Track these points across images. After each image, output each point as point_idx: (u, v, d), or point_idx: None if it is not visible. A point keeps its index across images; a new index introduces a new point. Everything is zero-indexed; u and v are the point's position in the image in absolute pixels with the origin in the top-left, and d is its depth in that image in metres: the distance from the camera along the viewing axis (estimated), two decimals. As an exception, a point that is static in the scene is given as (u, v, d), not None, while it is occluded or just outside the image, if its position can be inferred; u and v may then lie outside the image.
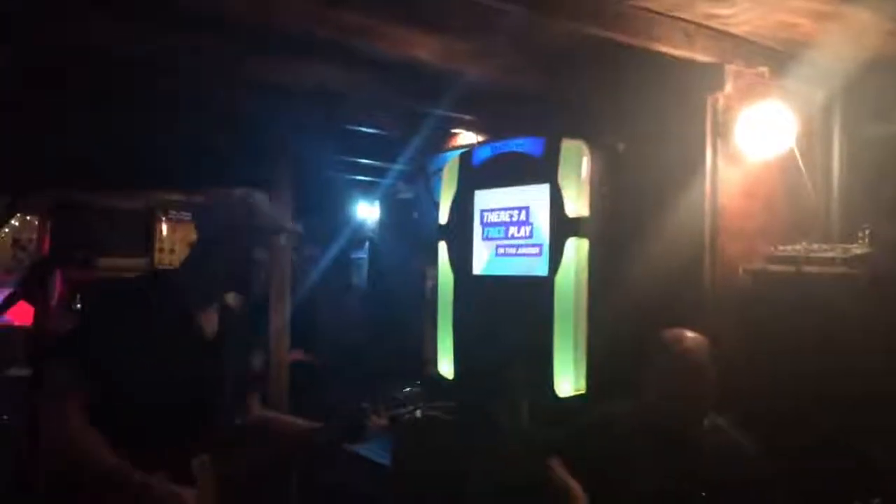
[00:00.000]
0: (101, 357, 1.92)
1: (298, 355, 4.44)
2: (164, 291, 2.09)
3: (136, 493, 1.86)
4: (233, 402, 2.22)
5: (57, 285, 4.84)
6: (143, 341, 1.94)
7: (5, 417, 3.50)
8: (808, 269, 2.72)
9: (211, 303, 2.14)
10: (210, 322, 2.13)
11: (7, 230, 6.41)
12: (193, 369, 2.04)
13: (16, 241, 6.45)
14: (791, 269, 2.76)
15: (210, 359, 2.10)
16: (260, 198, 2.14)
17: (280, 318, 4.32)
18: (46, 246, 6.08)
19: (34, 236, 6.36)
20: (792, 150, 2.87)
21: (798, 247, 2.82)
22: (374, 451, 4.03)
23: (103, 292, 2.47)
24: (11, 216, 6.14)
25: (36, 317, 3.71)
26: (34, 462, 3.35)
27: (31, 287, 3.68)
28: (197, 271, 2.13)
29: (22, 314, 4.67)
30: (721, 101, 2.87)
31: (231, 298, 2.24)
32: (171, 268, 2.24)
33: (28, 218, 6.47)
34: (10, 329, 4.71)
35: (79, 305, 5.14)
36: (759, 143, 2.86)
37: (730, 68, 2.84)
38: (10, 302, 3.77)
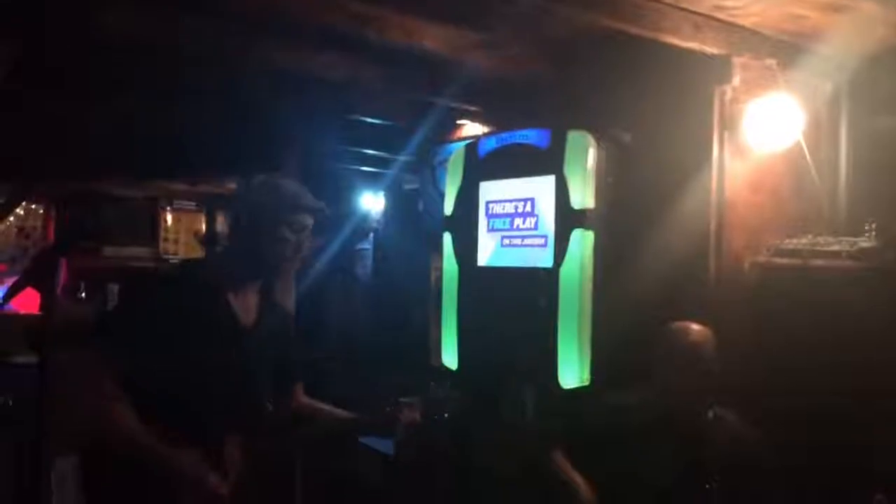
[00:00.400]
0: (137, 339, 1.98)
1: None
2: (200, 277, 2.14)
3: (163, 466, 1.92)
4: (268, 390, 2.29)
5: (62, 274, 4.85)
6: (177, 325, 1.99)
7: (10, 402, 3.52)
8: (814, 262, 2.71)
9: (245, 287, 2.18)
10: (247, 309, 2.18)
11: (12, 219, 6.42)
12: (228, 354, 2.08)
13: (21, 230, 6.45)
14: (797, 262, 2.75)
15: (245, 345, 2.14)
16: (287, 181, 2.20)
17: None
18: (51, 235, 6.09)
19: (39, 225, 6.37)
20: (799, 143, 2.86)
21: (804, 240, 2.81)
22: (376, 441, 4.04)
23: (141, 278, 2.52)
24: (16, 205, 6.15)
25: (42, 304, 3.71)
26: (39, 448, 3.38)
27: (37, 274, 3.68)
28: (231, 256, 2.19)
29: (26, 302, 4.68)
30: (728, 94, 2.85)
31: (270, 288, 2.28)
32: (219, 249, 2.30)
33: (33, 207, 6.48)
34: (15, 317, 4.72)
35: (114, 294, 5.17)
36: (766, 136, 2.84)
37: (737, 60, 2.82)
38: (16, 289, 3.78)
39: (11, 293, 3.78)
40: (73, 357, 2.31)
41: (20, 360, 3.97)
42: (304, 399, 2.46)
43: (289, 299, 4.34)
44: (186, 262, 2.61)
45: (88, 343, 2.07)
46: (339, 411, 2.44)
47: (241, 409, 2.16)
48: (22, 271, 4.28)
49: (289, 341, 2.40)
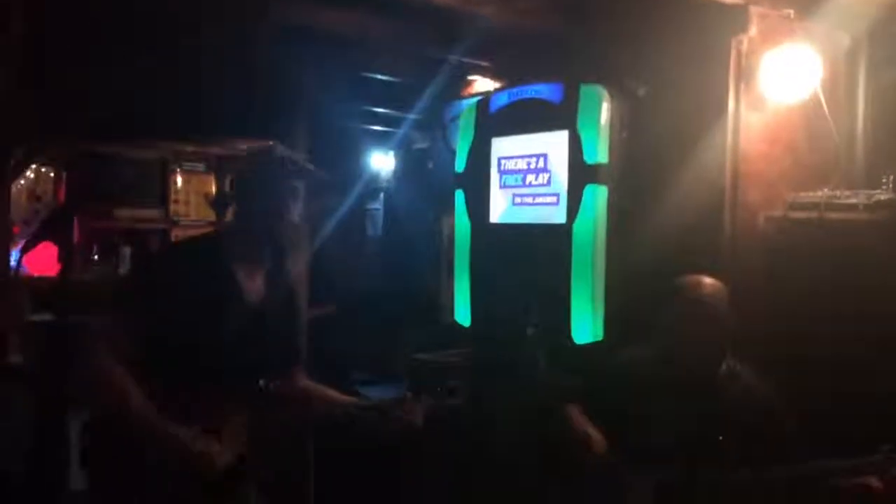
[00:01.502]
0: (146, 311, 1.99)
1: (319, 310, 4.45)
2: (210, 251, 2.14)
3: (162, 440, 1.94)
4: (271, 367, 2.28)
5: (76, 234, 4.86)
6: (185, 299, 1.98)
7: (27, 360, 3.55)
8: (830, 215, 2.69)
9: (253, 264, 2.17)
10: (254, 285, 2.16)
11: (23, 182, 6.41)
12: (233, 328, 2.08)
13: (31, 193, 6.46)
14: (813, 215, 2.73)
15: (251, 320, 2.13)
16: (275, 146, 2.19)
17: (298, 268, 4.31)
18: (62, 197, 6.08)
19: (50, 188, 6.37)
20: (816, 95, 2.82)
21: (820, 193, 2.78)
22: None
23: (153, 250, 2.54)
24: (26, 168, 6.13)
25: (60, 260, 3.73)
26: (56, 406, 3.42)
27: (52, 230, 3.69)
28: (234, 230, 2.20)
29: (40, 264, 4.71)
30: (745, 44, 2.81)
31: (279, 266, 2.26)
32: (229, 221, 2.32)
33: (43, 170, 6.46)
34: (29, 278, 4.75)
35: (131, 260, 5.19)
36: (782, 88, 2.80)
37: (754, 10, 2.77)
38: (31, 244, 3.79)
39: (26, 249, 3.79)
40: (84, 323, 2.29)
41: (35, 318, 4.00)
42: (306, 382, 2.43)
43: (302, 261, 4.34)
44: (198, 237, 2.59)
45: (100, 311, 2.09)
46: (342, 397, 2.40)
47: (238, 384, 2.15)
48: (36, 228, 4.30)
49: (292, 322, 2.39)
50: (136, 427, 1.95)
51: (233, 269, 2.12)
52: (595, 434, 2.45)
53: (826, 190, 2.79)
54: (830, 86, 2.88)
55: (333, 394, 2.40)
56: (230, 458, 2.03)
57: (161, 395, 1.95)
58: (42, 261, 4.69)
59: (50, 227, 3.89)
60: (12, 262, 4.02)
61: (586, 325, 3.05)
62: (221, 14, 3.10)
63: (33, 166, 6.31)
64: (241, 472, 2.08)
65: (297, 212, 2.15)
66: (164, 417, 1.93)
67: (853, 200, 2.67)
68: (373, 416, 2.30)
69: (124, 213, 5.63)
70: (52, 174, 6.38)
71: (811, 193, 2.81)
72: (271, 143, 2.24)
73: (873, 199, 2.63)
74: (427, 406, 2.32)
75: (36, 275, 4.71)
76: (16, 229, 5.48)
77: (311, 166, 2.21)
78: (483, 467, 3.51)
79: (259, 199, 2.11)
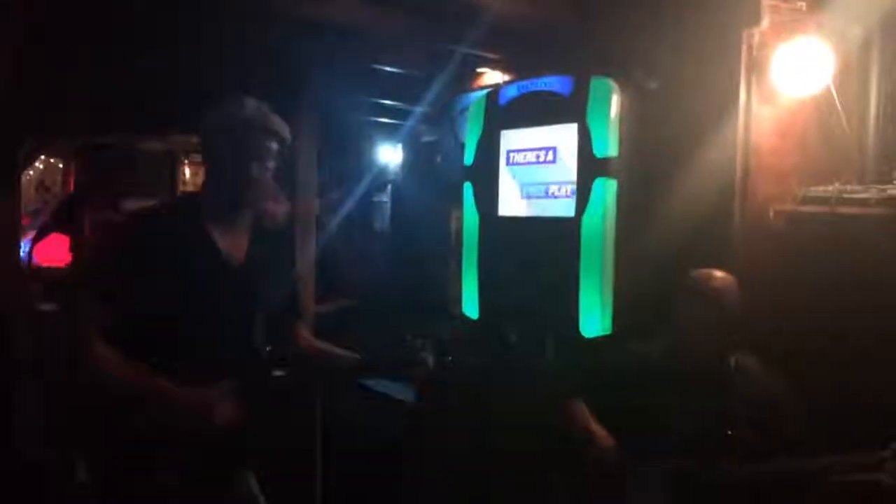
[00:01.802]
0: (119, 285, 1.95)
1: (324, 307, 4.42)
2: (180, 211, 2.11)
3: (160, 399, 1.91)
4: (263, 329, 2.19)
5: (84, 226, 4.89)
6: (157, 264, 1.94)
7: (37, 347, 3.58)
8: (842, 209, 2.68)
9: (231, 220, 2.11)
10: (235, 242, 2.11)
11: (32, 173, 6.45)
12: (212, 292, 2.02)
13: (40, 184, 6.50)
14: (825, 209, 2.72)
15: (232, 281, 2.07)
16: (248, 101, 2.09)
17: (305, 262, 4.31)
18: (71, 188, 6.12)
19: (59, 179, 6.41)
20: (828, 89, 2.80)
21: (832, 187, 2.76)
22: (395, 389, 4.08)
23: (120, 221, 2.46)
24: (36, 159, 6.16)
25: (72, 249, 3.75)
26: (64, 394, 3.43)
27: (62, 220, 3.71)
28: (206, 187, 2.14)
29: (49, 254, 4.73)
30: (756, 37, 2.79)
31: (264, 221, 2.21)
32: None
33: (52, 161, 6.51)
34: (38, 269, 4.78)
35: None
36: (794, 81, 2.78)
37: (766, 2, 2.75)
38: (42, 234, 3.82)
39: (36, 240, 3.81)
40: (65, 310, 2.26)
41: (46, 308, 4.02)
42: (310, 339, 2.38)
43: (308, 253, 4.34)
44: (170, 199, 2.51)
45: (72, 298, 2.07)
46: (348, 353, 2.37)
47: (230, 350, 2.06)
48: (45, 219, 4.33)
49: (285, 276, 2.32)
50: (133, 392, 1.91)
51: (207, 230, 2.06)
52: (599, 430, 2.45)
53: (837, 184, 2.77)
54: (842, 79, 2.86)
55: (338, 351, 2.37)
56: (230, 410, 1.95)
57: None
58: (51, 251, 4.72)
59: (59, 219, 3.91)
60: (23, 253, 4.04)
61: (595, 319, 3.04)
62: (226, 5, 3.09)
63: (42, 157, 6.35)
64: (239, 438, 2.02)
65: (270, 171, 2.10)
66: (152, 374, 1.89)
67: (865, 195, 2.66)
68: (375, 371, 2.31)
69: (132, 204, 5.66)
70: (60, 165, 6.43)
71: (822, 187, 2.79)
72: (241, 100, 2.10)
73: (885, 194, 2.61)
74: (429, 363, 2.32)
75: (45, 265, 4.74)
76: (25, 220, 5.51)
77: (283, 127, 2.11)
78: (488, 462, 3.51)
79: (229, 160, 2.05)
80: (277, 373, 2.45)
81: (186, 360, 1.95)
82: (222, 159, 2.07)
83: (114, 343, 1.91)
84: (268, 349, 2.25)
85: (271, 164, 2.10)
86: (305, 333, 2.38)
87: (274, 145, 2.09)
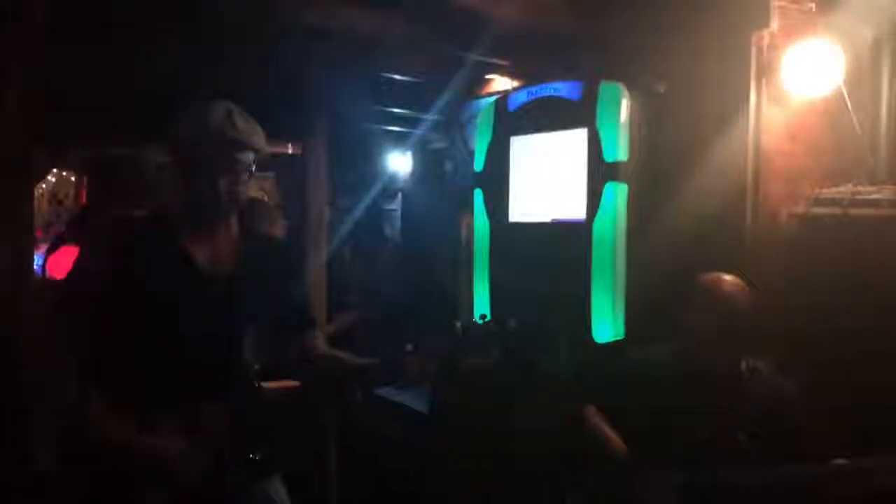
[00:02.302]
0: (96, 304, 1.85)
1: (343, 322, 4.37)
2: (155, 225, 1.96)
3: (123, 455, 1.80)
4: (253, 343, 2.04)
5: (97, 238, 4.92)
6: (129, 282, 1.83)
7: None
8: (853, 211, 2.66)
9: (204, 230, 1.95)
10: (213, 250, 1.96)
11: (45, 186, 6.49)
12: (190, 307, 1.88)
13: (53, 197, 6.53)
14: (836, 211, 2.70)
15: (212, 291, 1.92)
16: (218, 105, 1.92)
17: (317, 270, 4.29)
18: (84, 200, 6.14)
19: (71, 192, 6.44)
20: (838, 90, 2.79)
21: (843, 189, 2.75)
22: (410, 399, 4.07)
23: (95, 236, 2.33)
24: (48, 171, 6.20)
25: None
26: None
27: (75, 232, 3.71)
28: (179, 198, 1.97)
29: (62, 268, 4.75)
30: (766, 39, 2.78)
31: (248, 220, 2.07)
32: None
33: (65, 174, 6.54)
34: (52, 281, 4.79)
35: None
36: (804, 83, 2.77)
37: (775, 4, 2.75)
38: (55, 246, 3.83)
39: (49, 252, 3.82)
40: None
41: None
42: (324, 347, 2.22)
43: (318, 262, 4.34)
44: (147, 211, 2.32)
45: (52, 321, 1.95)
46: (354, 359, 2.19)
47: (212, 368, 1.91)
48: (59, 232, 4.33)
49: (284, 279, 2.13)
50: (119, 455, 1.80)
51: (183, 243, 1.92)
52: (613, 435, 2.44)
53: (849, 186, 2.76)
54: (853, 80, 2.85)
55: (343, 356, 2.21)
56: (198, 460, 1.83)
57: (129, 394, 1.80)
58: (65, 264, 4.73)
59: (72, 231, 3.91)
60: (36, 266, 4.05)
61: (607, 324, 3.03)
62: (237, 13, 3.11)
63: (55, 170, 6.39)
64: (218, 471, 1.88)
65: (245, 184, 1.94)
66: (125, 422, 1.78)
67: (877, 196, 2.65)
68: (381, 374, 2.15)
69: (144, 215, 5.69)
70: (73, 178, 6.46)
71: (834, 189, 2.78)
72: (208, 106, 1.91)
73: (898, 195, 2.60)
74: (433, 358, 2.18)
75: (59, 278, 4.76)
76: (38, 233, 5.54)
77: (256, 137, 1.93)
78: (500, 467, 3.50)
79: (196, 174, 1.89)
80: (269, 386, 2.33)
81: (165, 380, 1.84)
82: (189, 172, 1.92)
83: (94, 367, 1.81)
84: (256, 367, 2.10)
85: (245, 178, 1.93)
86: (319, 342, 2.23)
87: (245, 157, 1.91)
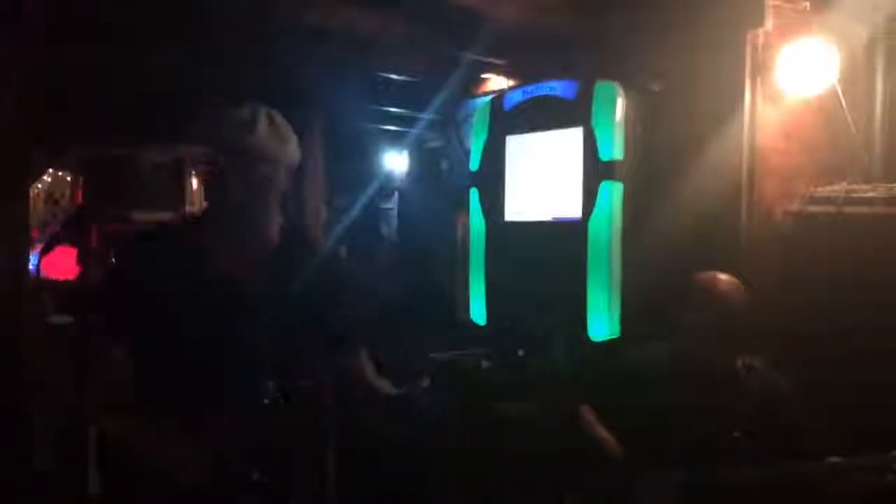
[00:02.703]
0: (126, 314, 1.79)
1: None
2: (179, 234, 1.91)
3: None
4: (279, 362, 1.92)
5: (92, 239, 4.90)
6: (150, 293, 1.76)
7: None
8: (848, 209, 2.67)
9: (229, 241, 1.85)
10: (242, 267, 1.86)
11: (40, 186, 6.48)
12: (208, 321, 1.78)
13: (49, 197, 6.52)
14: (831, 209, 2.71)
15: (238, 307, 1.83)
16: (242, 112, 1.81)
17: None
18: (80, 200, 6.14)
19: (67, 192, 6.43)
20: (833, 88, 2.79)
21: (838, 187, 2.76)
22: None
23: (128, 243, 2.23)
24: (44, 171, 6.20)
25: (79, 261, 3.77)
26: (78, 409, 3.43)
27: (70, 232, 3.73)
28: (207, 205, 1.92)
29: (57, 267, 4.75)
30: (761, 38, 2.79)
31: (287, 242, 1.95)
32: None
33: (60, 174, 6.53)
34: (47, 281, 4.80)
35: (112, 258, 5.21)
36: (799, 82, 2.78)
37: (770, 3, 2.76)
38: (50, 246, 3.84)
39: (44, 252, 3.83)
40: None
41: (57, 320, 4.03)
42: (363, 371, 2.08)
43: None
44: (173, 219, 2.18)
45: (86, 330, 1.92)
46: (385, 384, 2.07)
47: (233, 386, 1.83)
48: (53, 231, 4.34)
49: (321, 299, 2.00)
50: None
51: (206, 254, 1.83)
52: (608, 435, 2.44)
53: (844, 184, 2.77)
54: (848, 79, 2.85)
55: (383, 386, 2.08)
56: (196, 467, 1.76)
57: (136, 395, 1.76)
58: (60, 264, 4.74)
59: (67, 231, 3.92)
60: (31, 266, 4.05)
61: (603, 322, 3.04)
62: (236, 14, 3.11)
63: (51, 170, 6.39)
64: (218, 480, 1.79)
65: (274, 205, 1.84)
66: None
67: (871, 194, 2.65)
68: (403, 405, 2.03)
69: (140, 215, 5.68)
70: (69, 178, 6.45)
71: (829, 187, 2.79)
72: (251, 116, 1.81)
73: (892, 193, 2.61)
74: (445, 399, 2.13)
75: (54, 278, 4.76)
76: (34, 233, 5.54)
77: (294, 151, 1.85)
78: (496, 466, 3.50)
79: (231, 188, 1.79)
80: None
81: (171, 383, 1.77)
82: (209, 182, 1.86)
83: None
84: (270, 384, 1.93)
85: (265, 191, 1.83)
86: (361, 366, 2.09)
87: (265, 169, 1.81)
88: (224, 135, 1.79)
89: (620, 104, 3.02)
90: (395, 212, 5.94)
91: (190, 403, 1.79)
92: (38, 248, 4.76)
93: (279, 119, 1.85)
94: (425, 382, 2.10)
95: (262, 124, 1.80)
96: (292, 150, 1.86)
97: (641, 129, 3.05)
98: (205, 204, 1.99)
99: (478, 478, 3.59)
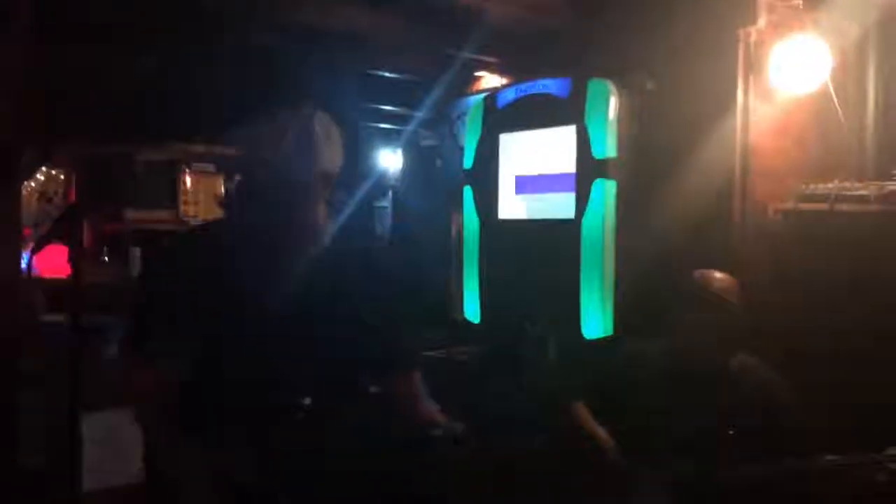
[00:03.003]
0: (154, 323, 1.71)
1: None
2: (210, 239, 1.81)
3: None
4: (311, 377, 1.79)
5: (86, 238, 4.88)
6: (176, 305, 1.69)
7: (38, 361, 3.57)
8: (841, 207, 2.68)
9: (258, 248, 1.71)
10: (273, 277, 1.74)
11: (33, 184, 6.45)
12: (236, 335, 1.69)
13: (42, 195, 6.49)
14: (824, 207, 2.71)
15: (264, 323, 1.70)
16: (294, 115, 1.71)
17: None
18: (73, 199, 6.12)
19: (60, 190, 6.40)
20: (825, 86, 2.80)
21: (831, 184, 2.76)
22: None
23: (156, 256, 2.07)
24: (37, 169, 6.17)
25: (71, 260, 3.74)
26: (71, 407, 3.41)
27: (61, 230, 3.70)
28: (233, 209, 1.79)
29: (50, 265, 4.73)
30: (753, 36, 2.79)
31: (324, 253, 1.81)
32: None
33: (54, 172, 6.50)
34: (39, 280, 4.78)
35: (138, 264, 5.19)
36: (792, 79, 2.78)
37: (763, 1, 2.76)
38: (43, 242, 3.81)
39: (36, 250, 3.80)
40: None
41: (49, 318, 4.02)
42: (414, 397, 1.92)
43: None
44: (202, 225, 2.06)
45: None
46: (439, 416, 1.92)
47: (258, 401, 1.71)
48: (46, 229, 4.31)
49: (368, 314, 1.87)
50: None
51: (232, 263, 1.71)
52: (602, 432, 2.45)
53: (836, 181, 2.77)
54: (840, 76, 2.86)
55: (434, 413, 1.92)
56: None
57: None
58: (52, 262, 4.71)
59: (59, 229, 3.89)
60: (23, 264, 4.04)
61: (596, 320, 3.04)
62: (227, 12, 3.10)
63: (44, 168, 6.36)
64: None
65: (313, 210, 1.72)
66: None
67: (864, 192, 2.66)
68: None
69: (135, 214, 5.66)
70: (62, 176, 6.43)
71: (821, 185, 2.79)
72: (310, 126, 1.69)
73: (884, 191, 2.61)
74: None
75: (46, 276, 4.74)
76: (27, 231, 5.52)
77: (322, 163, 1.71)
78: (490, 462, 3.50)
79: (270, 200, 1.67)
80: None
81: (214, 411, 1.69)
82: (239, 193, 1.75)
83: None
84: (306, 401, 1.80)
85: (299, 203, 1.71)
86: (410, 389, 1.95)
87: (302, 178, 1.69)
88: (255, 140, 1.68)
89: (613, 102, 3.02)
90: (389, 210, 5.93)
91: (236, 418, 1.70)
92: (30, 246, 4.73)
93: (323, 122, 1.75)
94: (460, 428, 1.92)
95: (298, 129, 1.69)
96: (332, 158, 1.75)
97: (635, 128, 3.05)
98: (219, 210, 1.87)
99: (467, 475, 3.59)
